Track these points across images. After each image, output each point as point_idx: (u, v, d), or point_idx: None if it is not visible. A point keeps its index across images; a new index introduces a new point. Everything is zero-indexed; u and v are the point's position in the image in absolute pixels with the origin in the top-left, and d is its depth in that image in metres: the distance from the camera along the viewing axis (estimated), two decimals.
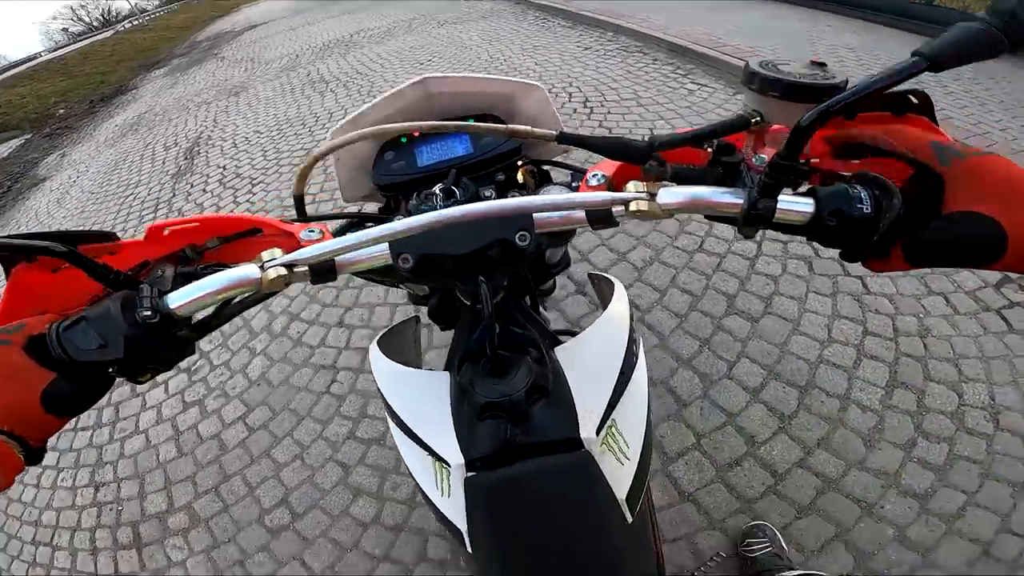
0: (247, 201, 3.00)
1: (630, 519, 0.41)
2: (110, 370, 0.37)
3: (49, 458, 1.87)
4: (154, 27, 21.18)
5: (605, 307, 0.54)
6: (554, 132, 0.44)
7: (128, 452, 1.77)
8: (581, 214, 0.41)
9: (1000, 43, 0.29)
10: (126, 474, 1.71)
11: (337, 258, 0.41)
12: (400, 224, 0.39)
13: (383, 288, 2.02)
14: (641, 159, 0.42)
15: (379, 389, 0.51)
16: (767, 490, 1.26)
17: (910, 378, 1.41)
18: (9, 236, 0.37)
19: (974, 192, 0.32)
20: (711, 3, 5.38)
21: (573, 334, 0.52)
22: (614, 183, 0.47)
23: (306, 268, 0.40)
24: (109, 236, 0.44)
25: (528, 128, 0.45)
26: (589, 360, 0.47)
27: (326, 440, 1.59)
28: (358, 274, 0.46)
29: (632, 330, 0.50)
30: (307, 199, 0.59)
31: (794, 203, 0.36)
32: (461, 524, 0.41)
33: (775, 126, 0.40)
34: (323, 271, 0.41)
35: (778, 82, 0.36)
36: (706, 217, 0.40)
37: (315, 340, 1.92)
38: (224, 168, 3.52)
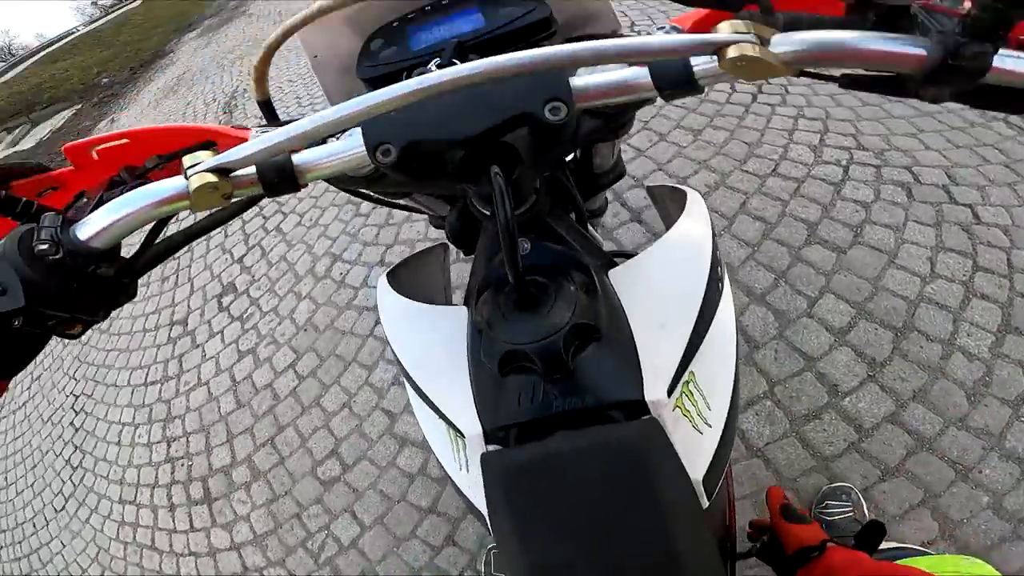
0: None
1: (706, 504, 0.31)
2: (15, 323, 0.29)
3: (125, 414, 2.03)
4: None
5: (668, 226, 0.41)
6: None
7: (193, 405, 1.88)
8: (645, 75, 0.27)
9: None
10: (193, 428, 1.82)
11: (296, 160, 0.30)
12: (373, 96, 0.27)
13: (424, 221, 1.87)
14: (738, 3, 0.27)
15: (385, 332, 0.41)
16: (849, 447, 1.12)
17: None
18: None
19: None
20: None
21: (626, 255, 0.41)
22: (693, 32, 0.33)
23: (253, 173, 0.30)
24: (39, 167, 0.37)
25: None
26: (658, 289, 0.34)
27: (372, 387, 1.61)
28: (338, 186, 0.37)
29: (716, 249, 0.38)
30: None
31: (1017, 59, 0.23)
32: (482, 506, 0.31)
33: None
34: (277, 177, 0.30)
35: None
36: (859, 81, 0.26)
37: (357, 281, 1.92)
38: (261, 118, 3.61)
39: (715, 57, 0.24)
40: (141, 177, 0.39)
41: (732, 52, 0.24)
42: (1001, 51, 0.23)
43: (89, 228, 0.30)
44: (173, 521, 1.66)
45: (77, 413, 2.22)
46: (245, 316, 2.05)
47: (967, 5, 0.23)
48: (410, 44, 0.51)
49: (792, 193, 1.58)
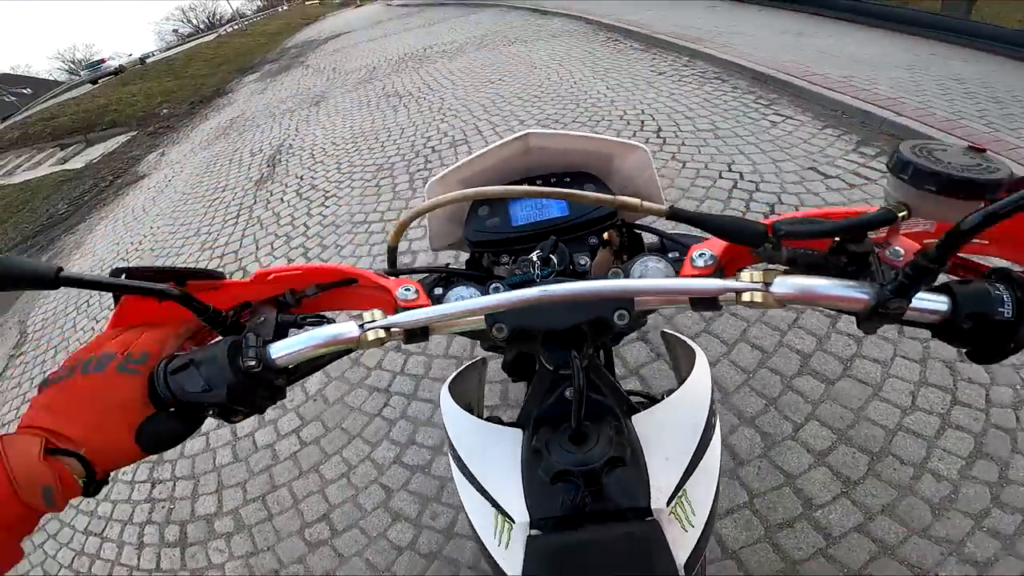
0: (319, 214, 3.16)
1: None
2: (209, 412, 0.39)
3: None
4: (251, 32, 23.08)
5: (676, 369, 0.54)
6: (665, 207, 0.42)
7: (188, 452, 1.87)
8: (684, 296, 0.39)
9: None
10: (183, 474, 1.81)
11: (432, 324, 0.41)
12: (501, 298, 0.38)
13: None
14: (756, 243, 0.38)
15: (448, 434, 0.51)
16: (816, 552, 1.22)
17: (996, 449, 1.34)
18: (128, 269, 0.39)
19: None
20: (799, 27, 5.09)
21: (647, 396, 0.52)
22: (721, 262, 0.44)
23: (401, 331, 0.41)
24: (217, 275, 0.45)
25: (638, 201, 0.44)
26: (668, 433, 0.46)
27: (373, 462, 1.62)
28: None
29: (712, 402, 0.49)
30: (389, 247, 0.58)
31: (928, 302, 0.33)
32: None
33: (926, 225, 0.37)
34: (417, 333, 0.41)
35: (936, 175, 0.32)
36: (827, 309, 0.37)
37: (372, 362, 1.96)
38: (301, 179, 3.74)
39: (734, 294, 0.36)
40: (301, 299, 0.49)
41: (745, 296, 0.36)
42: (918, 295, 0.33)
43: (282, 351, 0.40)
44: (138, 559, 1.62)
45: None
46: None
47: (904, 254, 0.35)
48: (511, 218, 0.62)
49: (791, 324, 1.72)
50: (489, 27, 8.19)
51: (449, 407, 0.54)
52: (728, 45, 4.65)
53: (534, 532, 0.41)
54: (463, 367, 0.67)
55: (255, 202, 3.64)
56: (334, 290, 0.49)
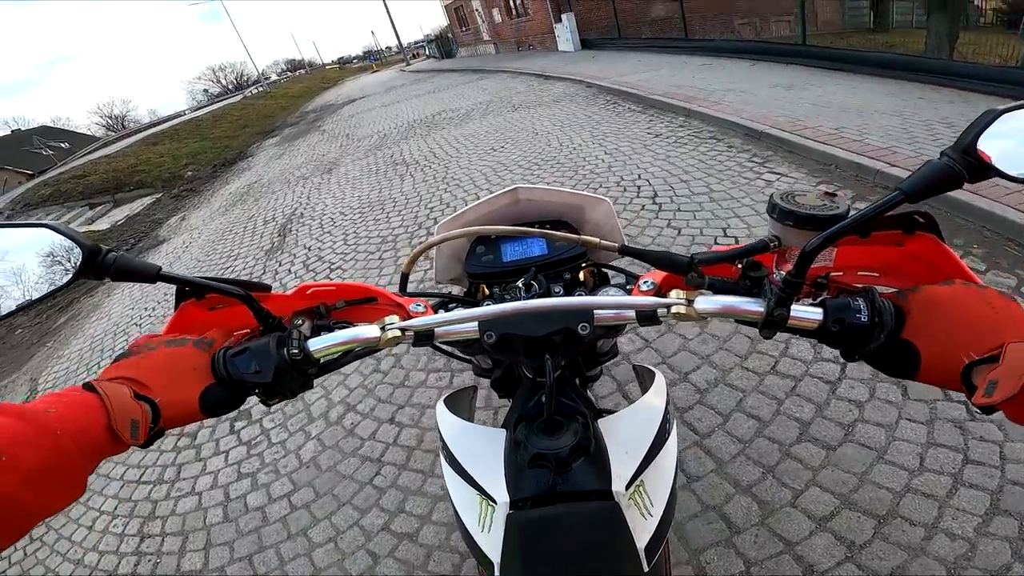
0: None
1: (646, 568, 0.46)
2: (255, 391, 0.48)
3: (108, 504, 2.07)
4: (275, 95, 24.63)
5: (643, 392, 0.65)
6: (616, 244, 0.51)
7: (180, 510, 1.91)
8: (632, 313, 0.50)
9: (960, 178, 0.37)
10: (172, 530, 1.83)
11: (437, 328, 0.52)
12: (493, 308, 0.50)
13: (435, 391, 2.10)
14: (683, 272, 0.48)
15: (441, 436, 0.60)
16: None
17: (1014, 505, 1.29)
18: (205, 278, 0.50)
19: (915, 321, 0.41)
20: (788, 79, 5.28)
21: (610, 411, 0.62)
22: (662, 289, 0.54)
23: (412, 332, 0.51)
24: (266, 287, 0.55)
25: (596, 240, 0.53)
26: (627, 432, 0.55)
27: (361, 528, 1.62)
28: (444, 343, 0.59)
29: (667, 412, 0.59)
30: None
31: (805, 312, 0.43)
32: (495, 556, 0.47)
33: (793, 247, 0.46)
34: (425, 336, 0.52)
35: (790, 213, 0.43)
36: (735, 320, 0.48)
37: (366, 433, 1.98)
38: (309, 249, 3.87)
39: (667, 309, 0.47)
40: (331, 311, 0.60)
41: (674, 309, 0.47)
42: (795, 307, 0.43)
43: (318, 344, 0.49)
44: None
45: None
46: (253, 442, 2.13)
47: (778, 277, 0.45)
48: (502, 256, 0.78)
49: (788, 392, 1.68)
50: (495, 93, 8.66)
51: (445, 415, 0.63)
52: (722, 103, 4.83)
53: (513, 511, 0.48)
54: (457, 389, 0.78)
55: (264, 272, 3.76)
56: (358, 306, 0.60)
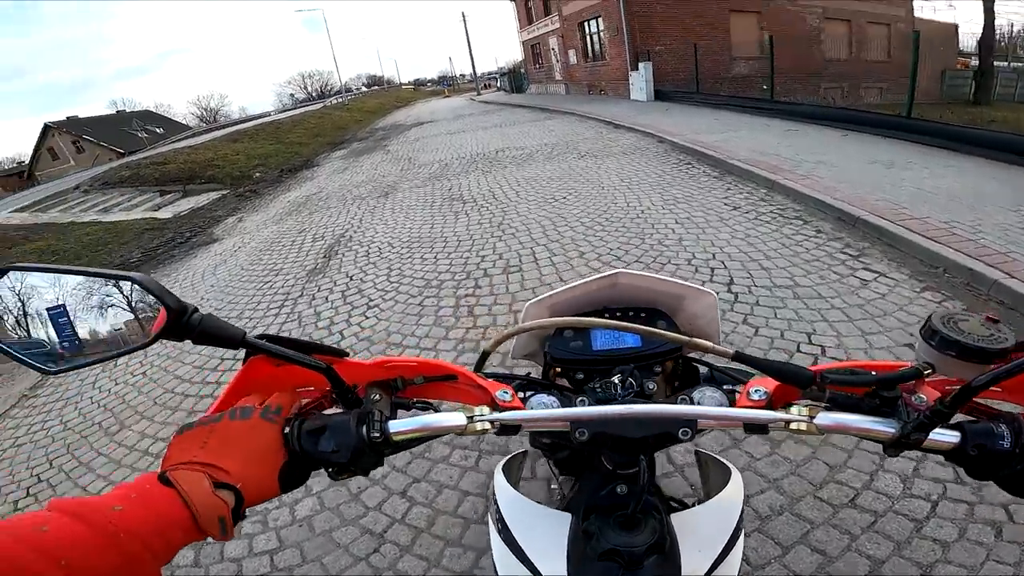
0: (357, 325, 3.02)
1: None
2: (330, 470, 0.46)
3: None
4: (351, 108, 25.94)
5: (704, 482, 0.66)
6: (731, 350, 0.49)
7: None
8: (740, 422, 0.48)
9: None
10: None
11: (526, 422, 0.50)
12: (596, 410, 0.48)
13: (459, 471, 1.85)
14: (805, 386, 0.48)
15: (497, 506, 0.60)
16: None
17: None
18: (269, 336, 0.48)
19: None
20: (888, 155, 4.82)
21: (680, 502, 0.62)
22: (773, 398, 0.51)
23: (499, 424, 0.49)
24: (344, 353, 0.54)
25: (709, 344, 0.51)
26: (702, 530, 0.54)
27: None
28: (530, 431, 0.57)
29: (742, 513, 0.58)
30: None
31: (943, 435, 0.42)
32: None
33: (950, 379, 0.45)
34: (511, 428, 0.50)
35: (955, 343, 0.41)
36: (857, 436, 0.46)
37: (372, 501, 1.76)
38: (351, 278, 3.70)
39: (783, 423, 0.47)
40: (408, 386, 0.56)
41: (793, 425, 0.46)
42: (935, 431, 0.42)
43: (399, 428, 0.48)
44: None
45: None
46: None
47: (926, 400, 0.45)
48: (592, 343, 0.71)
49: (866, 527, 1.48)
50: (560, 136, 8.56)
51: (503, 485, 0.63)
52: (810, 177, 4.41)
53: None
54: (511, 455, 0.77)
55: (301, 295, 3.61)
56: (436, 383, 0.57)
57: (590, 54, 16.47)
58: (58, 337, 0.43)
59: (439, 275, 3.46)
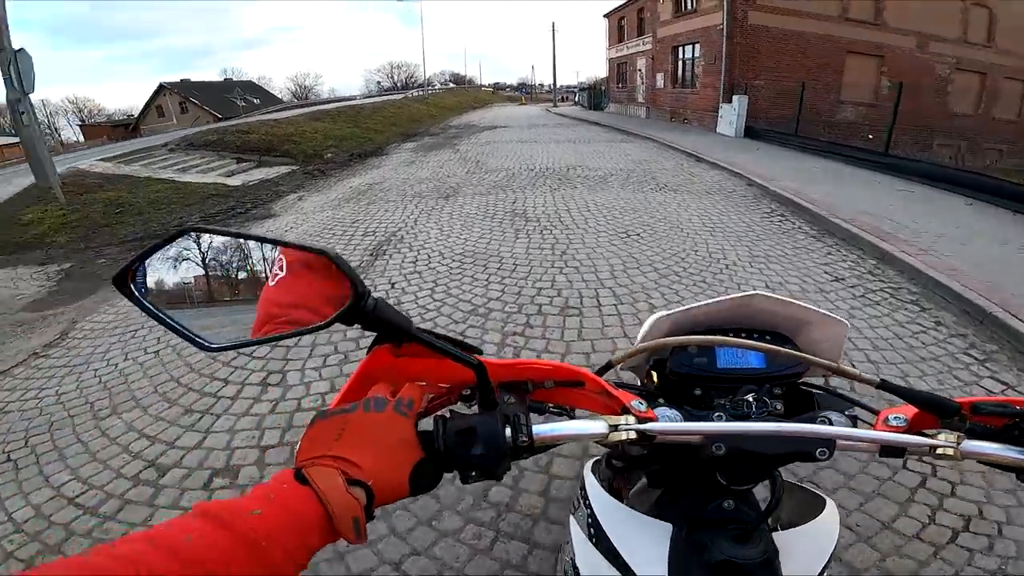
0: None
1: None
2: (473, 473, 0.44)
3: None
4: (429, 102, 26.45)
5: (786, 511, 0.67)
6: (876, 379, 0.51)
7: None
8: (876, 444, 0.48)
9: None
10: None
11: (661, 433, 0.49)
12: (737, 425, 0.48)
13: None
14: (949, 416, 0.48)
15: (591, 508, 0.60)
16: None
17: None
18: (434, 335, 0.46)
19: None
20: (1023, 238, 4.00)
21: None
22: (911, 427, 0.50)
23: (635, 433, 0.48)
24: (479, 351, 0.50)
25: (856, 372, 0.53)
26: (803, 552, 0.55)
27: None
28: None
29: (838, 539, 0.59)
30: None
31: None
32: None
33: None
34: (646, 439, 0.49)
35: None
36: (990, 464, 0.47)
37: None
38: (392, 286, 3.40)
39: (928, 448, 0.46)
40: (538, 388, 0.54)
41: (940, 450, 0.46)
42: None
43: (543, 433, 0.47)
44: None
45: None
46: None
47: None
48: (717, 361, 0.69)
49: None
50: (637, 161, 8.04)
51: (597, 490, 0.64)
52: (930, 252, 3.69)
53: None
54: (595, 458, 0.79)
55: None
56: (565, 388, 0.55)
57: (679, 80, 15.76)
58: None
59: (488, 302, 3.08)
